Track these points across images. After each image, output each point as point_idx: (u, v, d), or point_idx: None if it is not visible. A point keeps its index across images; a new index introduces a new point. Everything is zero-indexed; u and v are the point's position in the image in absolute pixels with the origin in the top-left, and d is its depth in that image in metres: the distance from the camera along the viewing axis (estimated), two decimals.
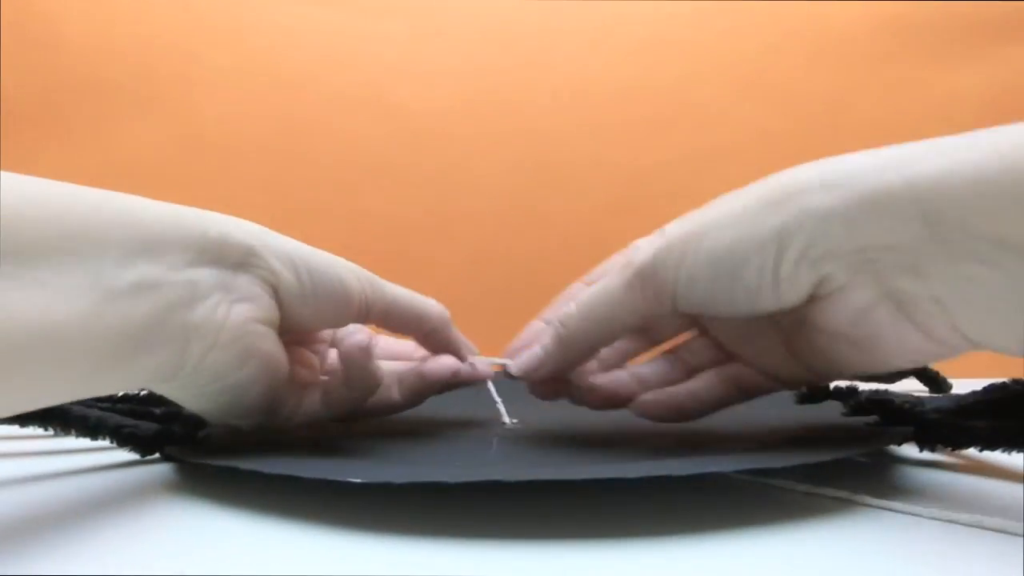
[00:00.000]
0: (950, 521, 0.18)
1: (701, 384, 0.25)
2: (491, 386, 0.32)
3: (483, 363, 0.31)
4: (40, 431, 0.26)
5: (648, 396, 0.26)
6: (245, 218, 0.25)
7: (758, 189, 0.21)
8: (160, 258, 0.21)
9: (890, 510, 0.19)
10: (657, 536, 0.17)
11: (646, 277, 0.23)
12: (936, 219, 0.18)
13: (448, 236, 0.69)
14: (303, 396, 0.27)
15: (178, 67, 0.72)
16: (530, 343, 0.27)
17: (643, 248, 0.23)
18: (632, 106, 0.72)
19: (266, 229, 0.25)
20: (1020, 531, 0.17)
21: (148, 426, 0.26)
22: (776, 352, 0.24)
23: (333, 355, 0.31)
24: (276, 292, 0.25)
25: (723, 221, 0.21)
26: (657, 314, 0.24)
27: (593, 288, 0.25)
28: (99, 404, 0.27)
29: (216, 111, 0.72)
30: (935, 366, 0.39)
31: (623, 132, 0.71)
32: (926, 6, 0.69)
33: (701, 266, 0.22)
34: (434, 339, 0.30)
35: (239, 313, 0.23)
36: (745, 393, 0.25)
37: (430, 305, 0.30)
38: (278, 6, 0.73)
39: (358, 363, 0.26)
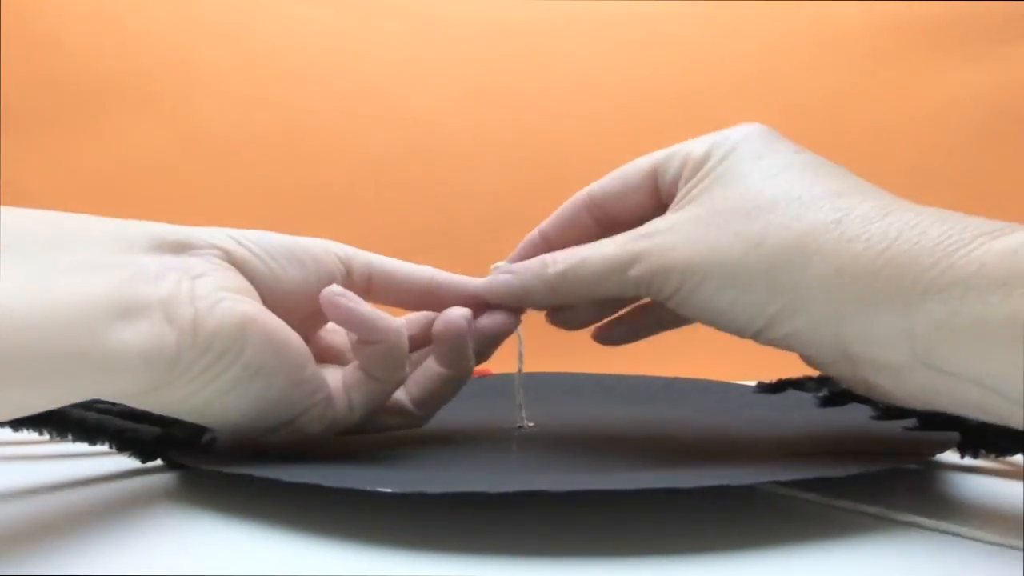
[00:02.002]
0: (1000, 545, 0.17)
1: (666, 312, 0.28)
2: (518, 385, 0.31)
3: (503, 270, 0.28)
4: (35, 435, 0.25)
5: (607, 327, 0.29)
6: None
7: (766, 246, 0.21)
8: (86, 249, 0.19)
9: (936, 530, 0.18)
10: (680, 552, 0.16)
11: (640, 286, 0.23)
12: (928, 353, 0.18)
13: (448, 236, 0.69)
14: (347, 379, 0.25)
15: (178, 67, 0.72)
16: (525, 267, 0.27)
17: (643, 257, 0.23)
18: (632, 106, 0.72)
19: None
20: None
21: (150, 430, 0.25)
22: None
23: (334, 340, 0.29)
24: (236, 266, 0.23)
25: (722, 273, 0.21)
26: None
27: (588, 266, 0.25)
28: (97, 406, 0.26)
29: (216, 111, 0.72)
30: None
31: (623, 132, 0.70)
32: (926, 6, 0.69)
33: (696, 303, 0.23)
34: (432, 297, 0.27)
35: (206, 285, 0.21)
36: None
37: (417, 266, 0.28)
38: (278, 6, 0.73)
39: (455, 340, 0.26)
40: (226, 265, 0.23)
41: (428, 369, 0.27)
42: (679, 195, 0.24)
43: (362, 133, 0.72)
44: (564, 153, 0.70)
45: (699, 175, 0.24)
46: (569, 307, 0.28)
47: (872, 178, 0.22)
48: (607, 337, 0.30)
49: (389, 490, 0.17)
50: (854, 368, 0.20)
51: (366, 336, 0.24)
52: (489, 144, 0.72)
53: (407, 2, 0.72)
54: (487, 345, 0.28)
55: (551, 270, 0.25)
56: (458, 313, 0.26)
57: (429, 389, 0.27)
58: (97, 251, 0.20)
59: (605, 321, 0.30)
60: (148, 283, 0.20)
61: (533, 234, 0.29)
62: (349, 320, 0.24)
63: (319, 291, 0.24)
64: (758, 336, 0.22)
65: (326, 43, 0.72)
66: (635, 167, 0.26)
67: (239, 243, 0.23)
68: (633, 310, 0.30)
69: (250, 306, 0.22)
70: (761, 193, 0.22)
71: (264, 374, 0.22)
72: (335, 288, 0.24)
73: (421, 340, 0.29)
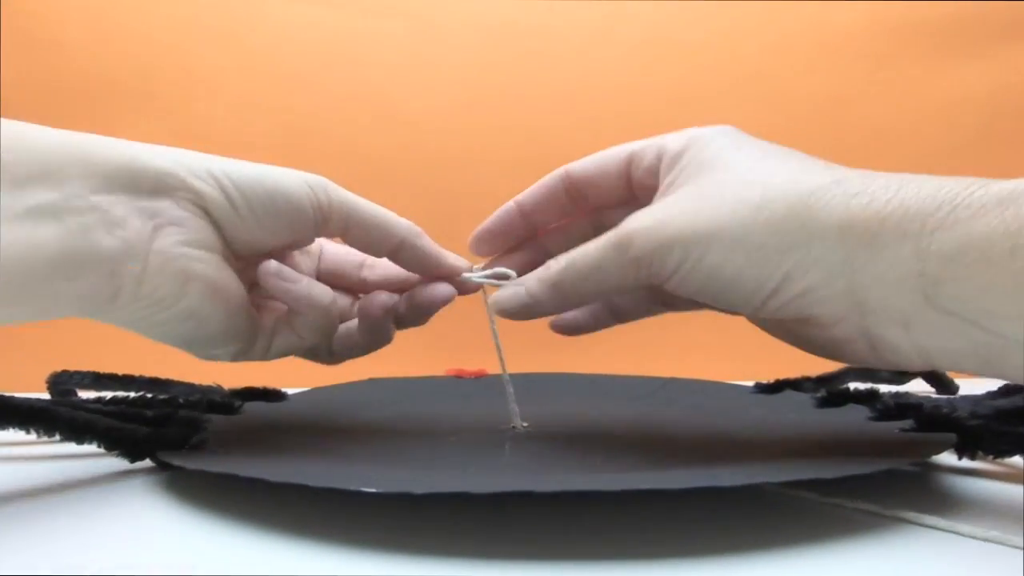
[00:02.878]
0: (999, 542, 0.17)
1: (625, 299, 0.29)
2: (509, 389, 0.30)
3: (477, 277, 0.29)
4: (21, 435, 0.25)
5: (568, 316, 0.30)
6: None
7: (769, 208, 0.21)
8: (58, 186, 0.20)
9: (933, 527, 0.18)
10: (680, 552, 0.16)
11: (642, 266, 0.23)
12: (936, 292, 0.19)
13: (448, 236, 0.68)
14: (277, 326, 0.27)
15: (178, 67, 0.72)
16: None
17: (639, 234, 0.23)
18: (632, 106, 0.71)
19: (184, 150, 0.24)
20: None
21: (138, 429, 0.25)
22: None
23: (306, 264, 0.30)
24: (207, 214, 0.24)
25: (727, 237, 0.21)
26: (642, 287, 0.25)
27: (587, 256, 0.24)
28: (87, 406, 0.26)
29: (216, 111, 0.72)
30: None
31: (623, 132, 0.70)
32: (926, 6, 0.68)
33: (699, 276, 0.22)
34: (406, 255, 0.28)
35: (166, 237, 0.22)
36: (667, 307, 0.28)
37: (397, 219, 0.28)
38: (278, 6, 0.73)
39: (377, 323, 0.28)
40: (198, 213, 0.24)
41: (351, 335, 0.30)
42: (662, 185, 0.25)
43: (362, 134, 0.72)
44: (564, 153, 0.69)
45: (680, 165, 0.24)
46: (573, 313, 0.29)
47: None
48: (562, 325, 0.30)
49: (374, 490, 0.17)
50: (864, 322, 0.20)
51: (298, 309, 0.27)
52: (489, 144, 0.71)
53: (407, 2, 0.72)
54: (423, 315, 0.29)
55: (553, 269, 0.25)
56: (380, 301, 0.28)
57: (347, 347, 0.30)
58: (68, 191, 0.20)
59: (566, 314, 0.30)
60: (106, 233, 0.21)
61: (509, 204, 0.30)
62: (283, 297, 0.26)
63: (288, 239, 0.26)
64: (765, 304, 0.22)
65: (326, 43, 0.72)
66: (612, 153, 0.27)
67: (219, 185, 0.24)
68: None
69: (200, 266, 0.23)
70: (753, 170, 0.22)
71: (197, 319, 0.24)
72: (271, 267, 0.25)
73: (392, 287, 0.30)
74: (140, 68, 0.71)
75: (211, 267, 0.24)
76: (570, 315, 0.30)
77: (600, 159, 0.28)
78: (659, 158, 0.25)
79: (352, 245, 0.28)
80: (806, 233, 0.20)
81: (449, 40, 0.72)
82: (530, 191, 0.29)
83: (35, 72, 0.70)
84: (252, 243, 0.25)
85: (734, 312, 0.24)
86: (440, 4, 0.72)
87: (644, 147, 0.26)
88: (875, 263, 0.19)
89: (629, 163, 0.27)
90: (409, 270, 0.29)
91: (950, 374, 0.40)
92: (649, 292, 0.29)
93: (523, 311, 0.26)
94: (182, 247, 0.23)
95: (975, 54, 0.68)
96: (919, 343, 0.20)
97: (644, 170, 0.26)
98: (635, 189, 0.27)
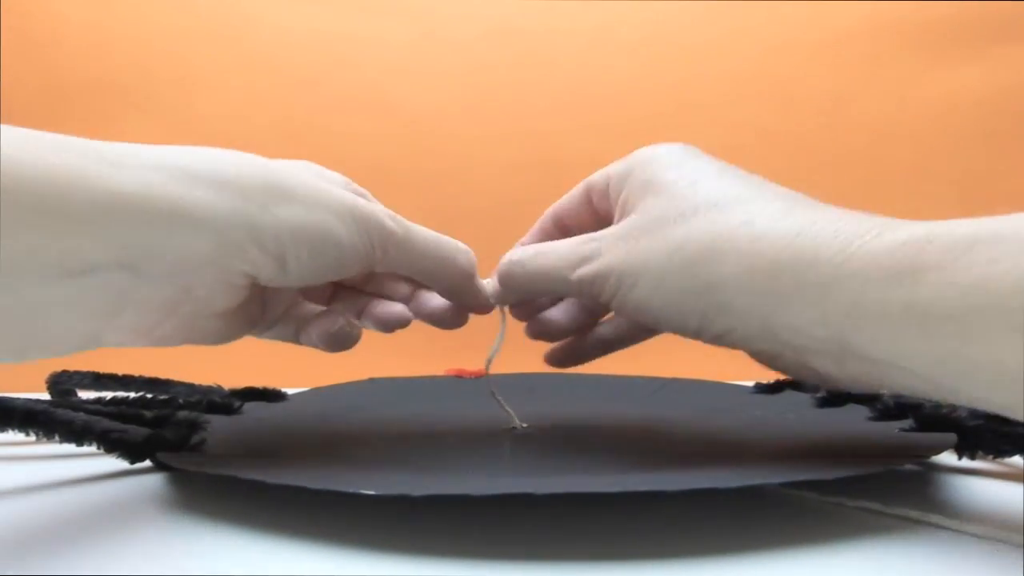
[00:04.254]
0: (997, 540, 0.17)
1: (610, 328, 0.31)
2: (499, 397, 0.30)
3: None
4: (20, 436, 0.25)
5: (557, 347, 0.31)
6: None
7: (681, 256, 0.22)
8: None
9: (937, 525, 0.18)
10: (679, 552, 0.16)
11: (584, 286, 0.25)
12: (847, 341, 0.19)
13: (448, 235, 0.68)
14: (281, 321, 0.27)
15: (178, 67, 0.72)
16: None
17: (577, 263, 0.25)
18: (632, 106, 0.71)
19: (236, 208, 0.21)
20: None
21: (138, 431, 0.25)
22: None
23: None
24: (254, 283, 0.23)
25: (652, 275, 0.23)
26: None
27: (546, 255, 0.26)
28: (87, 406, 0.26)
29: (216, 111, 0.72)
30: None
31: (623, 132, 0.70)
32: (926, 6, 0.68)
33: (633, 304, 0.24)
34: (454, 293, 0.28)
35: (194, 305, 0.22)
36: (649, 332, 0.29)
37: (457, 251, 0.27)
38: (278, 6, 0.73)
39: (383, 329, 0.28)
40: (245, 284, 0.23)
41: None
42: (617, 210, 0.26)
43: (362, 133, 0.72)
44: (565, 153, 0.70)
45: (627, 188, 0.25)
46: (540, 315, 0.31)
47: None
48: (555, 359, 0.32)
49: (372, 492, 0.17)
50: (798, 357, 0.21)
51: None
52: (489, 144, 0.71)
53: (407, 2, 0.72)
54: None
55: (511, 258, 0.27)
56: (398, 316, 0.29)
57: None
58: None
59: (555, 345, 0.32)
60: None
61: (516, 244, 0.31)
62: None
63: (335, 278, 0.25)
64: (700, 336, 0.23)
65: (326, 43, 0.72)
66: (577, 187, 0.29)
67: (277, 255, 0.22)
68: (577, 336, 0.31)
69: (215, 323, 0.23)
70: (684, 199, 0.23)
71: (192, 338, 0.23)
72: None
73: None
74: (140, 68, 0.71)
75: (228, 316, 0.24)
76: (559, 350, 0.32)
77: (570, 194, 0.29)
78: (607, 184, 0.27)
79: (402, 275, 0.29)
80: (713, 281, 0.21)
81: (449, 40, 0.72)
82: (529, 233, 0.31)
83: (35, 72, 0.70)
84: (291, 290, 0.26)
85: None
86: (440, 4, 0.72)
87: (597, 177, 0.28)
88: (782, 310, 0.20)
89: (588, 194, 0.28)
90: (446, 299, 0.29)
91: None
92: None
93: (497, 298, 0.29)
94: (206, 314, 0.23)
95: (975, 54, 0.68)
96: (856, 378, 0.20)
97: (600, 197, 0.28)
98: (600, 214, 0.28)
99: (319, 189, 0.23)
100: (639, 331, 0.30)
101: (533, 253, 0.27)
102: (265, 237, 0.21)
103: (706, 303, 0.22)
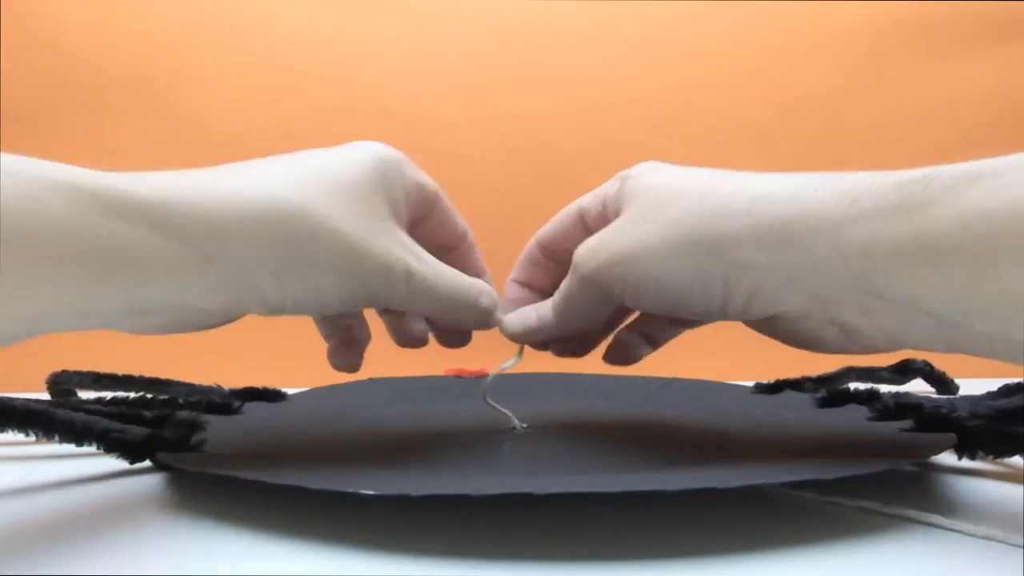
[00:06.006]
0: (999, 541, 0.17)
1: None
2: (492, 402, 0.30)
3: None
4: (20, 436, 0.25)
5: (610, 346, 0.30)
6: None
7: (682, 228, 0.22)
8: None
9: (935, 526, 0.18)
10: (679, 552, 0.16)
11: (590, 285, 0.25)
12: (867, 282, 0.19)
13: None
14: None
15: (178, 67, 0.72)
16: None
17: (585, 254, 0.25)
18: (632, 106, 0.71)
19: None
20: None
21: (137, 431, 0.25)
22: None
23: None
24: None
25: (658, 251, 0.23)
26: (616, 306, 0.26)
27: (564, 286, 0.26)
28: (86, 406, 0.26)
29: (216, 111, 0.72)
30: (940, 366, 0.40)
31: (623, 132, 0.70)
32: (926, 6, 0.68)
33: (646, 288, 0.23)
34: (473, 329, 0.29)
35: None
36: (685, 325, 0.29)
37: (480, 294, 0.26)
38: (278, 6, 0.73)
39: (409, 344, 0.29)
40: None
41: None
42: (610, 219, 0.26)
43: (362, 133, 0.72)
44: (564, 153, 0.70)
45: (620, 200, 0.25)
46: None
47: None
48: (615, 357, 0.31)
49: (372, 492, 0.17)
50: (827, 311, 0.21)
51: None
52: (489, 144, 0.71)
53: (407, 2, 0.72)
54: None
55: (512, 332, 0.28)
56: (419, 333, 0.29)
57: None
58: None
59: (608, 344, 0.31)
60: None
61: (508, 281, 0.31)
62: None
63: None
64: (725, 310, 0.23)
65: (326, 43, 0.72)
66: (567, 211, 0.29)
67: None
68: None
69: None
70: (672, 185, 0.24)
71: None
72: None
73: None
74: (140, 68, 0.71)
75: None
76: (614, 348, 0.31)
77: (559, 220, 0.29)
78: (604, 205, 0.27)
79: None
80: (727, 237, 0.21)
81: (448, 39, 0.72)
82: (518, 265, 0.31)
83: (35, 72, 0.70)
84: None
85: (710, 320, 0.25)
86: (440, 3, 0.72)
87: (590, 200, 0.28)
88: (800, 259, 0.20)
89: (581, 216, 0.28)
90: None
91: (949, 374, 0.40)
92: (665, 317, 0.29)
93: (527, 335, 0.28)
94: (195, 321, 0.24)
95: (975, 54, 0.68)
96: (883, 327, 0.20)
97: (594, 219, 0.28)
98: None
99: (341, 252, 0.22)
100: (673, 327, 0.30)
101: (552, 312, 0.27)
102: (269, 299, 0.22)
103: (725, 265, 0.21)
